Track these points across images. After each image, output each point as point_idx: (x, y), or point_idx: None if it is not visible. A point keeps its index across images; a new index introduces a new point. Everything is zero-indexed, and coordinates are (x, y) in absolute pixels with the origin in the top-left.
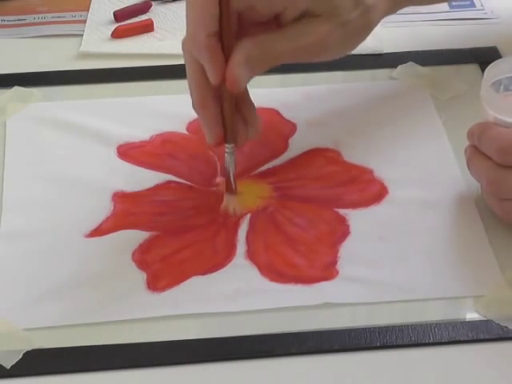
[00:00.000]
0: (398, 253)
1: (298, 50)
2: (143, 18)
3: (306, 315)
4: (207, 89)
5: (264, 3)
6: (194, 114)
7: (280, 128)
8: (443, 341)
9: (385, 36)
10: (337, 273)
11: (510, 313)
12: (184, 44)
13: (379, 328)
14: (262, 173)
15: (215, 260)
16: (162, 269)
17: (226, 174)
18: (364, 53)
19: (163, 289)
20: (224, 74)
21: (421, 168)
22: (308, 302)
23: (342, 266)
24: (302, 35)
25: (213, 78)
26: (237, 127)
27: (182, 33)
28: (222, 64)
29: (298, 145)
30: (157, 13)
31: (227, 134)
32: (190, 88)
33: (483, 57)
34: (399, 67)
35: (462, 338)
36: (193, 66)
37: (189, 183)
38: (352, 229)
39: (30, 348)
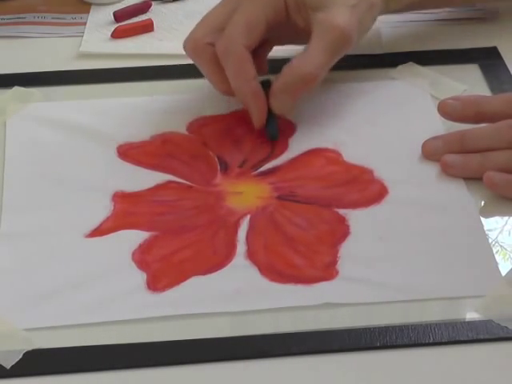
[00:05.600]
0: (398, 253)
1: (328, 52)
2: (143, 17)
3: (306, 315)
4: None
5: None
6: (193, 114)
7: (280, 128)
8: (443, 341)
9: (385, 36)
10: (337, 273)
11: (510, 313)
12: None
13: (379, 328)
14: (262, 173)
15: (215, 260)
16: (161, 269)
17: None
18: (364, 53)
19: (163, 289)
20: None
21: (421, 168)
22: (308, 302)
23: (342, 266)
24: (327, 35)
25: (258, 121)
26: None
27: (181, 33)
28: (264, 108)
29: (297, 145)
30: (157, 13)
31: None
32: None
33: (483, 57)
34: (399, 67)
35: (462, 338)
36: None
37: (189, 183)
38: (352, 229)
39: (29, 348)
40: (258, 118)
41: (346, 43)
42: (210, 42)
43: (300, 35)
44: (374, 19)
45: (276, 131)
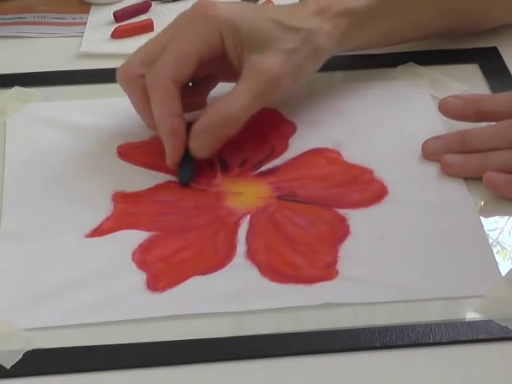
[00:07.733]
0: (397, 253)
1: (252, 100)
2: (143, 17)
3: (306, 315)
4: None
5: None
6: (194, 115)
7: (280, 128)
8: (443, 341)
9: None
10: (337, 273)
11: (510, 313)
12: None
13: (379, 328)
14: (262, 173)
15: (215, 260)
16: (162, 269)
17: None
18: (364, 53)
19: (163, 289)
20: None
21: (421, 168)
22: (308, 302)
23: (342, 265)
24: (255, 78)
25: (170, 160)
26: None
27: None
28: (180, 147)
29: (297, 145)
30: (157, 13)
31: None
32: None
33: (483, 57)
34: (399, 67)
35: (462, 338)
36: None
37: None
38: (352, 229)
39: (29, 348)
40: (171, 156)
41: (274, 89)
42: (142, 74)
43: (236, 74)
44: (320, 63)
45: (188, 175)
